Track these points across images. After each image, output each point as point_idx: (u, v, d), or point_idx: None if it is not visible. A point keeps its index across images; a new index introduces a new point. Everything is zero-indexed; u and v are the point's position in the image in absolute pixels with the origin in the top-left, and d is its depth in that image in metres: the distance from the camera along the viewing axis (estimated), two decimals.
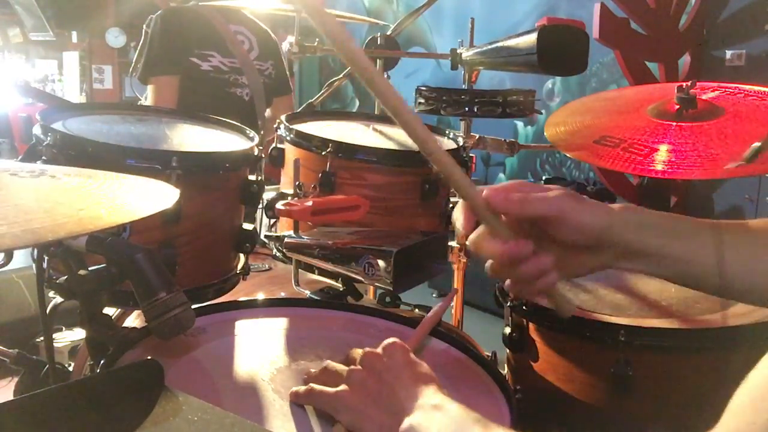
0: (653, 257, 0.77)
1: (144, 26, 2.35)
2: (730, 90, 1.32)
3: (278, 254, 1.22)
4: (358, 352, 0.79)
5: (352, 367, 0.76)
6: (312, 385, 0.77)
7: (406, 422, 0.68)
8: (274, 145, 1.27)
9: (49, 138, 0.99)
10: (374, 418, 0.71)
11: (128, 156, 1.00)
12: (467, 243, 0.77)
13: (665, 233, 0.77)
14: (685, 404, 0.99)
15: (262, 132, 1.24)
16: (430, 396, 0.71)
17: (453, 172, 0.73)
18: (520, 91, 1.56)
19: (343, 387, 0.74)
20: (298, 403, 0.77)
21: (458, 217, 0.77)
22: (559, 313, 0.85)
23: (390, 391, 0.72)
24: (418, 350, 0.89)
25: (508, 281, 0.80)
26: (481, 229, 0.76)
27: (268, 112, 2.50)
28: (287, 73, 2.61)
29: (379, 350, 0.76)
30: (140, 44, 2.36)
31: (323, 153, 1.16)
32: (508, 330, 1.13)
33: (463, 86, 1.68)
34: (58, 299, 0.96)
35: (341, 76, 1.98)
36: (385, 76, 1.79)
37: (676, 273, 0.78)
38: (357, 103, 6.49)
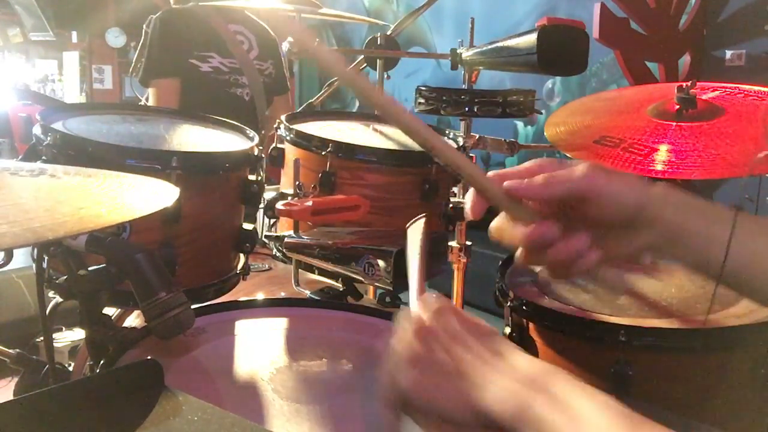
0: (697, 241, 0.69)
1: (144, 26, 2.35)
2: (730, 90, 1.32)
3: (278, 254, 1.22)
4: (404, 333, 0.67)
5: (407, 353, 0.66)
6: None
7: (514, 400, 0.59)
8: (274, 145, 1.27)
9: (49, 138, 0.99)
10: (449, 397, 0.63)
11: (128, 156, 0.99)
12: (490, 232, 0.72)
13: (711, 217, 0.70)
14: (685, 404, 0.99)
15: (263, 131, 1.24)
16: (509, 355, 0.63)
17: (461, 164, 0.69)
18: (520, 91, 1.56)
19: (408, 376, 0.65)
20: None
21: (467, 203, 0.72)
22: (609, 293, 0.78)
23: (459, 367, 0.64)
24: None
25: (542, 268, 0.74)
26: (501, 215, 0.71)
27: (267, 112, 2.50)
28: (285, 72, 2.61)
29: (429, 321, 0.66)
30: (140, 44, 2.36)
31: (323, 153, 1.16)
32: (508, 330, 1.13)
33: (463, 86, 1.67)
34: (58, 299, 0.96)
35: None
36: (386, 76, 1.79)
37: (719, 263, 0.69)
38: (357, 103, 6.49)
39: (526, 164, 0.71)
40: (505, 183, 0.69)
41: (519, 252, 0.72)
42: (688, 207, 0.70)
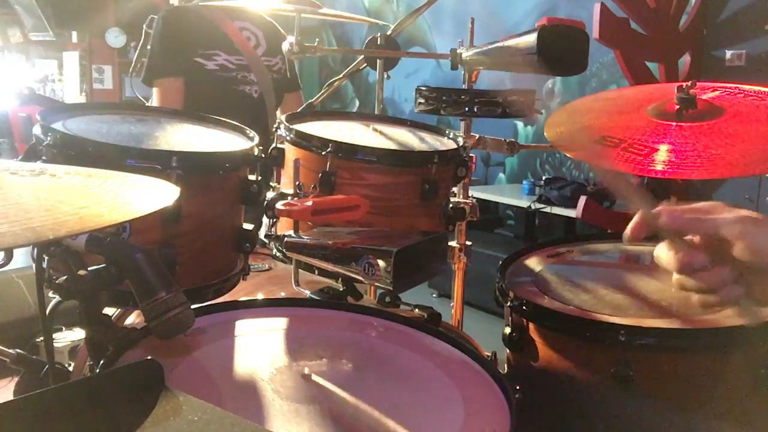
0: None
1: (144, 26, 2.35)
2: (730, 90, 1.32)
3: (278, 254, 1.22)
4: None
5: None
6: None
7: None
8: (274, 144, 1.27)
9: (49, 138, 0.99)
10: None
11: (128, 156, 0.99)
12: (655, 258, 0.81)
13: None
14: (685, 404, 0.99)
15: (274, 129, 1.24)
16: None
17: (632, 196, 0.82)
18: (520, 91, 1.56)
19: None
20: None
21: (630, 225, 0.82)
22: (746, 322, 0.86)
23: None
24: None
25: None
26: (663, 243, 0.80)
27: (279, 111, 2.47)
28: (295, 69, 2.58)
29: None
30: (140, 44, 2.36)
31: (323, 153, 1.16)
32: (508, 330, 1.13)
33: (463, 86, 1.67)
34: (58, 299, 0.96)
35: (341, 76, 1.98)
36: (386, 76, 1.79)
37: None
38: (357, 103, 6.49)
39: (695, 205, 0.81)
40: (665, 216, 0.79)
41: (674, 277, 0.82)
42: None
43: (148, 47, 2.31)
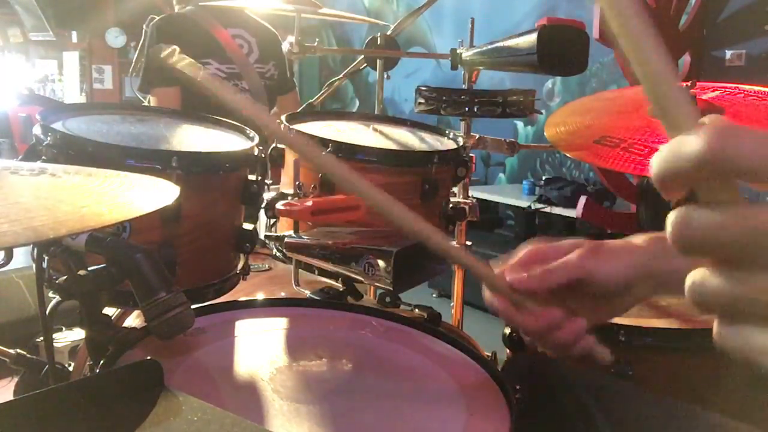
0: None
1: (144, 26, 2.35)
2: (730, 90, 1.32)
3: (278, 254, 1.22)
4: None
5: None
6: None
7: None
8: (274, 144, 1.27)
9: (49, 138, 0.99)
10: None
11: (128, 156, 0.99)
12: (497, 312, 0.80)
13: None
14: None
15: (266, 133, 1.24)
16: None
17: (473, 264, 0.77)
18: (520, 91, 1.56)
19: None
20: None
21: (491, 303, 0.80)
22: (599, 363, 0.85)
23: None
24: None
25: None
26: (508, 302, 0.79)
27: (273, 111, 2.49)
28: (290, 70, 2.60)
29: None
30: (140, 44, 2.36)
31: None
32: (508, 330, 1.13)
33: (463, 86, 1.67)
34: (58, 299, 0.96)
35: (341, 76, 1.98)
36: (386, 76, 1.80)
37: None
38: (357, 103, 6.49)
39: (521, 255, 0.79)
40: (508, 278, 0.77)
41: (525, 336, 0.82)
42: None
43: (144, 54, 2.32)
